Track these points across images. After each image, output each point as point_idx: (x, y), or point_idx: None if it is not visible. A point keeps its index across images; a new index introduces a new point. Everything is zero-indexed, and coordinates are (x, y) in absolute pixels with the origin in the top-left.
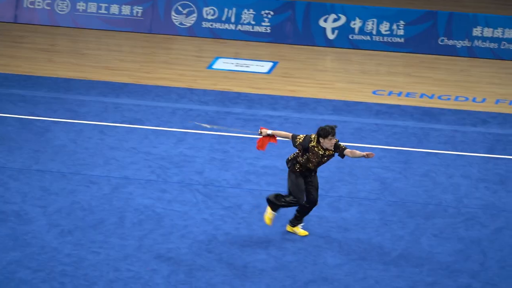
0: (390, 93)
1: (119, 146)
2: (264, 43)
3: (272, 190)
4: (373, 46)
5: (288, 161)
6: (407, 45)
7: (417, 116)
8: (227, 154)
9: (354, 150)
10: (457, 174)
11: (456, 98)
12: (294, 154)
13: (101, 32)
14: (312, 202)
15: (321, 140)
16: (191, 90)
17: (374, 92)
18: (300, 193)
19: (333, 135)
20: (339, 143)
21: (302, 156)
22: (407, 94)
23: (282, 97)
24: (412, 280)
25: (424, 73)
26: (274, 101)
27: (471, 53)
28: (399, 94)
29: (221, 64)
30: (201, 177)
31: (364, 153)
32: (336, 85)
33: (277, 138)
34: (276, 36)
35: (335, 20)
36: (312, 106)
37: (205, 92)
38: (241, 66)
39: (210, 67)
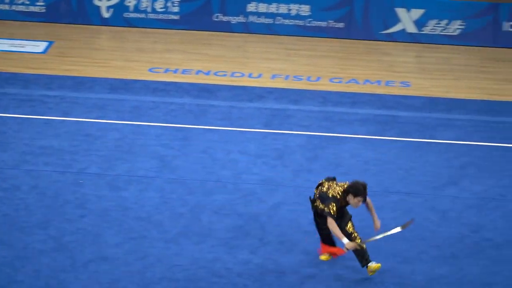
0: (166, 71)
1: None
2: (39, 23)
3: (49, 170)
4: (149, 23)
5: None
6: (183, 22)
7: (194, 93)
8: (4, 135)
9: (371, 206)
10: (235, 150)
11: (232, 74)
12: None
13: None
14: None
15: (350, 197)
16: None
17: (150, 70)
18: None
19: (364, 197)
20: None
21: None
22: (184, 71)
23: (58, 77)
24: (193, 257)
25: (200, 50)
26: (50, 81)
27: (246, 29)
28: (176, 71)
29: None
30: None
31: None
32: (112, 63)
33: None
34: (51, 15)
35: None
36: (88, 85)
37: None
38: (15, 46)
39: None
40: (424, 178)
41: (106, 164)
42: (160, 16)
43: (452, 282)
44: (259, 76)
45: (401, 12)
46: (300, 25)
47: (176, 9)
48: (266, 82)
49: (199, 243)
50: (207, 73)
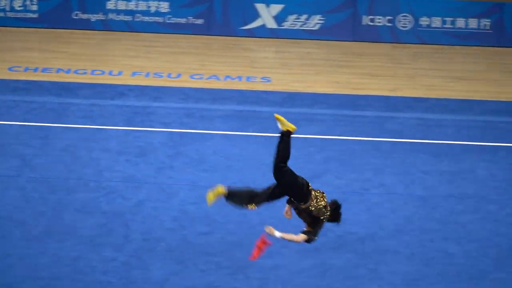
0: (26, 69)
1: None
2: None
3: None
4: (7, 22)
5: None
6: (41, 21)
7: (55, 91)
8: None
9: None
10: (97, 148)
11: (93, 72)
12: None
13: None
14: None
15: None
16: None
17: (10, 69)
18: None
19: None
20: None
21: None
22: (44, 70)
23: None
24: (57, 256)
25: (59, 48)
26: None
27: (106, 26)
28: (36, 69)
29: None
30: None
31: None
32: None
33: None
34: None
35: None
36: None
37: None
38: None
39: None
40: None
41: None
42: (19, 15)
43: (315, 275)
44: (120, 73)
45: (260, 7)
46: (160, 22)
47: (34, 7)
48: (126, 79)
49: (62, 241)
50: (67, 72)
